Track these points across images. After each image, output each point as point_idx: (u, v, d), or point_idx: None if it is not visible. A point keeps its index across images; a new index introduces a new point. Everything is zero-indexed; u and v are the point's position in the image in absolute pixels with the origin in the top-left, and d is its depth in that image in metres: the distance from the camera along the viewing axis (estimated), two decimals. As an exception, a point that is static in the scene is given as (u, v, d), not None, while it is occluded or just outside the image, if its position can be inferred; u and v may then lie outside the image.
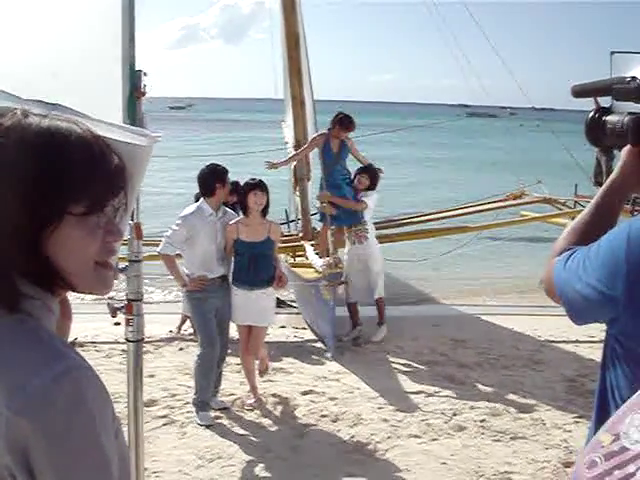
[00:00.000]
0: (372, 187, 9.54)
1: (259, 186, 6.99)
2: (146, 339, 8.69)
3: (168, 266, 7.00)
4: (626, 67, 1.92)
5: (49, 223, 1.23)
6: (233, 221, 7.07)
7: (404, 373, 8.16)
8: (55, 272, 1.27)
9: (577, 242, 1.84)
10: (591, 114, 2.01)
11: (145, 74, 3.18)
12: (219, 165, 7.13)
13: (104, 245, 1.30)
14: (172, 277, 7.18)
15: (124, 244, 3.39)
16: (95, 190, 1.27)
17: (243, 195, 7.08)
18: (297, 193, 11.18)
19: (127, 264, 3.36)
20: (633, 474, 1.26)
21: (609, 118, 1.95)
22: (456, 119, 44.22)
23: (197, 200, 7.42)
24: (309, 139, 10.32)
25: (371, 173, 9.57)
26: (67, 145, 1.25)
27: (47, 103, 1.46)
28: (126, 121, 2.98)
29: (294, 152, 10.60)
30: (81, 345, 8.55)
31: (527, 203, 13.89)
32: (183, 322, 9.62)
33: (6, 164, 1.21)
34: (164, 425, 6.64)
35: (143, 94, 3.15)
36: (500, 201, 14.21)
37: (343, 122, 9.71)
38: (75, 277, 1.29)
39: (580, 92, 2.12)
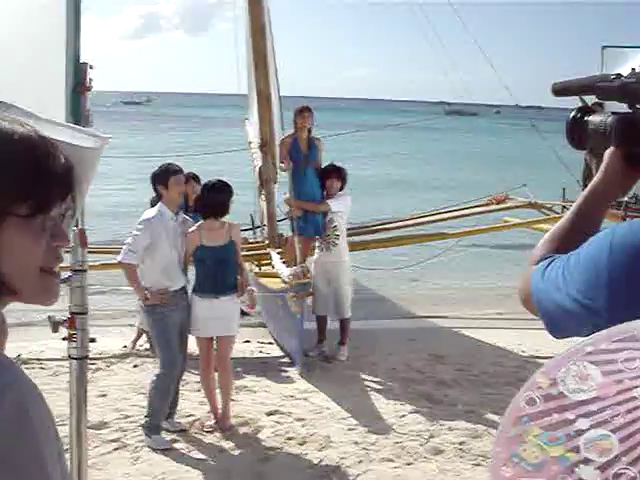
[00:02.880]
0: (341, 188, 9.55)
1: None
2: (97, 355, 8.71)
3: (129, 277, 6.87)
4: (618, 62, 1.92)
5: None
6: (194, 227, 7.02)
7: (377, 391, 8.16)
8: None
9: (557, 250, 1.83)
10: (572, 114, 2.00)
11: (91, 67, 3.14)
12: (165, 165, 7.07)
13: (50, 250, 1.30)
14: (132, 289, 7.08)
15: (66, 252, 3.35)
16: (40, 190, 1.26)
17: (228, 198, 7.08)
18: (263, 197, 11.11)
19: (70, 274, 3.30)
20: (573, 421, 1.33)
21: (592, 118, 1.95)
22: (435, 117, 44.45)
23: (152, 205, 7.35)
24: (276, 138, 10.31)
25: (342, 174, 9.56)
26: (9, 144, 1.25)
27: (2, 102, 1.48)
28: (69, 118, 2.93)
29: (282, 166, 10.28)
30: (25, 362, 8.46)
31: (511, 208, 13.93)
32: (139, 337, 9.54)
33: None
34: (115, 450, 6.56)
35: (88, 89, 3.10)
36: (482, 206, 14.22)
37: (301, 111, 9.71)
38: (19, 283, 1.27)
39: (561, 90, 2.11)
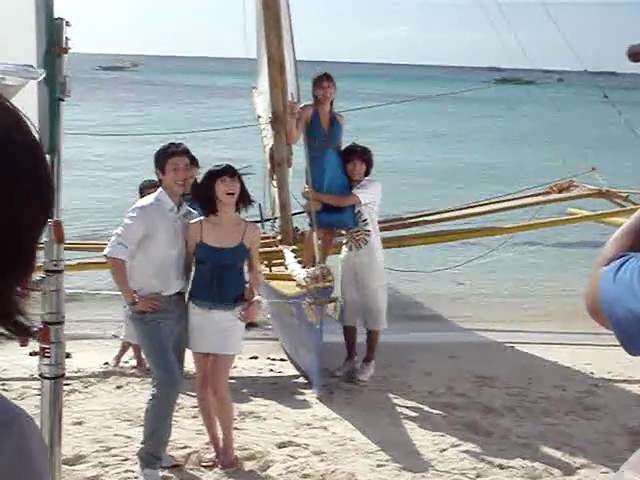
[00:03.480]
0: (366, 173, 9.52)
1: (228, 172, 6.84)
2: (72, 374, 8.73)
3: (116, 275, 6.80)
4: None
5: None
6: (196, 219, 6.96)
7: (412, 420, 8.15)
8: None
9: (631, 248, 1.81)
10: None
11: (68, 24, 3.15)
12: (166, 145, 6.96)
13: None
14: (116, 292, 7.05)
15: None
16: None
17: (206, 187, 6.93)
18: (274, 183, 11.05)
19: (44, 275, 3.32)
20: None
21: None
22: (484, 86, 44.30)
23: (141, 192, 7.31)
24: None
25: (368, 157, 9.54)
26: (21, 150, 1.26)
27: None
28: (42, 85, 2.95)
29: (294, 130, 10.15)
30: (-15, 382, 8.50)
31: (576, 197, 13.84)
32: (123, 351, 9.57)
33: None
34: (94, 488, 6.58)
35: (65, 50, 3.12)
36: (541, 194, 14.13)
37: (319, 80, 9.63)
38: None
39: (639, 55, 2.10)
